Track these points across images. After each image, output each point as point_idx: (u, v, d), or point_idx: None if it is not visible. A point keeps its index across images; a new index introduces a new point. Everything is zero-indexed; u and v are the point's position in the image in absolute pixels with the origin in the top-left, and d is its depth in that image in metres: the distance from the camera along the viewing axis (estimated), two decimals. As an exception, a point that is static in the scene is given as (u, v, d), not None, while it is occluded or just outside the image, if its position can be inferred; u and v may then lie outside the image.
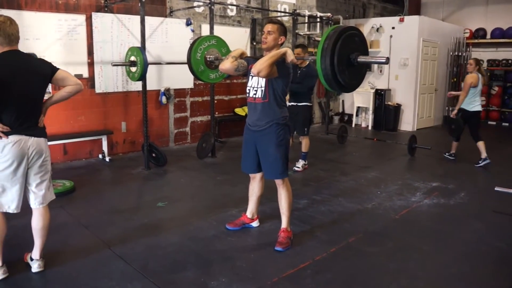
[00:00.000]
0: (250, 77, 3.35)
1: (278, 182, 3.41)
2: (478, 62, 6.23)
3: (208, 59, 4.41)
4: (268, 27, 3.26)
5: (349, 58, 2.92)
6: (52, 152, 5.83)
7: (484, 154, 6.21)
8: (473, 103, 6.20)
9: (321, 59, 2.87)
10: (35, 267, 2.91)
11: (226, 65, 3.31)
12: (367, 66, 3.27)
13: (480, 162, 6.19)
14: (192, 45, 4.43)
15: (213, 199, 4.58)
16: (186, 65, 4.46)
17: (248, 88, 3.37)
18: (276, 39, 3.25)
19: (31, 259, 2.95)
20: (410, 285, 2.90)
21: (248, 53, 8.25)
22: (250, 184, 3.69)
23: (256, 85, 3.29)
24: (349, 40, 2.91)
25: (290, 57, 3.12)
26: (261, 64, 3.04)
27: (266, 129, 3.30)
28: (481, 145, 6.23)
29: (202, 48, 4.41)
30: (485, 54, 10.91)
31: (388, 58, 2.96)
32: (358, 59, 2.94)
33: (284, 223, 3.45)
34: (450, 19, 11.24)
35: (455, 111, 6.39)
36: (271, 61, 3.06)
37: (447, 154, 6.72)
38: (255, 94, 3.30)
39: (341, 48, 2.85)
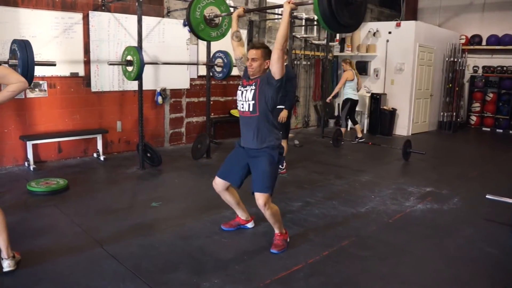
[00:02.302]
0: (240, 92, 3.32)
1: (260, 202, 3.18)
2: (349, 62, 7.88)
3: (207, 17, 4.41)
4: (252, 53, 3.17)
5: None
6: (47, 150, 5.87)
7: (360, 135, 8.07)
8: (355, 93, 7.85)
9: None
10: (5, 266, 2.83)
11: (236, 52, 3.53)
12: (366, 5, 3.26)
13: (356, 139, 8.00)
14: (190, 4, 4.37)
15: (207, 200, 4.57)
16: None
17: (237, 101, 3.38)
18: (262, 65, 3.18)
19: (1, 259, 2.86)
20: (402, 289, 2.92)
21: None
22: (222, 196, 3.59)
23: (242, 98, 3.27)
24: None
25: (291, 6, 3.19)
26: (282, 31, 3.07)
27: (259, 152, 3.25)
28: (358, 127, 8.18)
29: (200, 7, 4.35)
30: (480, 61, 10.98)
31: None
32: None
33: (276, 230, 3.41)
34: (447, 25, 11.30)
35: (330, 97, 8.29)
36: (285, 24, 3.09)
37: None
38: (242, 107, 3.28)
39: None
